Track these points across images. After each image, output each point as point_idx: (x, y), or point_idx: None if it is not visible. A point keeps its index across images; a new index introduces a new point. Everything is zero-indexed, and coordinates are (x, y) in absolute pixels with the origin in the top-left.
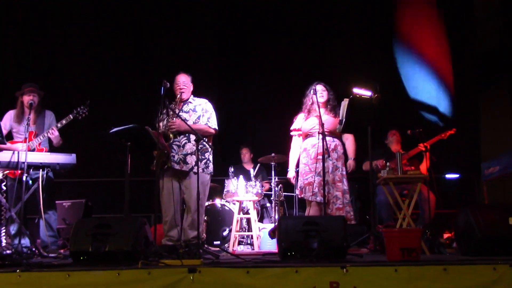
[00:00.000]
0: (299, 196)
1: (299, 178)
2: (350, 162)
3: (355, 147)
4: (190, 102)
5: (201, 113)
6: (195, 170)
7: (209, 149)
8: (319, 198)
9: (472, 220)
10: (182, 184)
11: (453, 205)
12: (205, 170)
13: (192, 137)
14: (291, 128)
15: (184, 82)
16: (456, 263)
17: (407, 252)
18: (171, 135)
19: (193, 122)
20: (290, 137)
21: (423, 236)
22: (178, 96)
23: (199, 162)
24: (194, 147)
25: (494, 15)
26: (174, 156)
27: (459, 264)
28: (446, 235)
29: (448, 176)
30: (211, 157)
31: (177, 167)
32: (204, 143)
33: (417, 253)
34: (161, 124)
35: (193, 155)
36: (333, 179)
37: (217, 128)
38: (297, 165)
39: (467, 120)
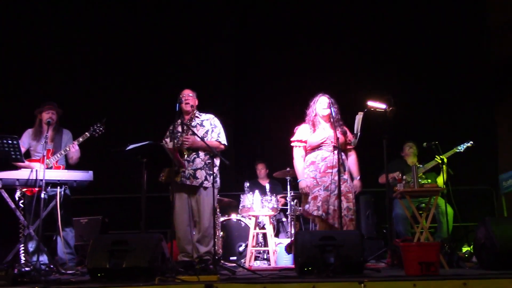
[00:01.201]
0: (302, 209)
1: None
2: (356, 183)
3: (358, 165)
4: (197, 117)
5: (209, 128)
6: (205, 184)
7: (217, 165)
8: (326, 216)
9: (491, 234)
10: (193, 199)
11: (472, 218)
12: (214, 185)
13: (201, 152)
14: (293, 138)
15: (188, 94)
16: (476, 277)
17: (426, 266)
18: (185, 151)
19: (202, 136)
20: (291, 148)
21: (441, 250)
22: (186, 108)
23: (209, 177)
24: (203, 162)
25: (509, 25)
26: (184, 172)
27: (479, 278)
28: (465, 249)
29: (466, 189)
30: (218, 172)
31: (187, 182)
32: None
33: (436, 267)
34: (167, 140)
35: (202, 170)
36: (342, 191)
37: (226, 143)
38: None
39: (484, 133)
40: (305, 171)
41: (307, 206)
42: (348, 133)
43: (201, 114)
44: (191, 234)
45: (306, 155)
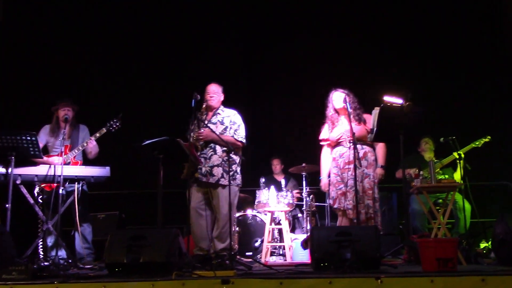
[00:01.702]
0: (333, 207)
1: (332, 188)
2: (378, 170)
3: (385, 153)
4: (218, 114)
5: (228, 125)
6: (221, 182)
7: (237, 161)
8: (349, 212)
9: (510, 229)
10: (209, 196)
11: (490, 214)
12: (232, 182)
13: (218, 149)
14: (320, 138)
15: (214, 91)
16: (494, 273)
17: (443, 262)
18: (199, 146)
19: (219, 133)
20: (321, 147)
21: (459, 246)
22: (204, 105)
23: (226, 174)
24: (221, 159)
25: None
26: (201, 169)
27: (497, 275)
28: (483, 245)
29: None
30: (238, 169)
31: (204, 179)
32: (232, 155)
33: (454, 264)
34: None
35: (219, 167)
36: (363, 187)
37: (244, 141)
38: (329, 174)
39: (502, 127)
40: (330, 168)
41: (330, 201)
42: (368, 121)
43: (223, 110)
44: (207, 230)
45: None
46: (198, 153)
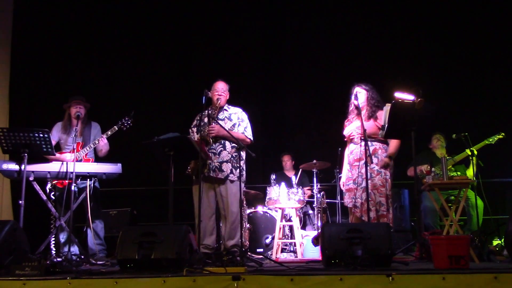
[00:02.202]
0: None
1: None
2: (383, 158)
3: (397, 148)
4: (225, 110)
5: (236, 121)
6: (230, 177)
7: (243, 158)
8: (356, 210)
9: None
10: (218, 192)
11: (503, 211)
12: (239, 178)
13: (228, 144)
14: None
15: (222, 89)
16: (507, 271)
17: (455, 259)
18: (210, 140)
19: (228, 129)
20: (344, 143)
21: (471, 243)
22: (218, 102)
23: (235, 170)
24: (230, 155)
25: None
26: (210, 164)
27: (510, 272)
28: (495, 242)
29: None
30: (244, 166)
31: (213, 174)
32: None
33: (466, 261)
34: (194, 130)
35: (228, 163)
36: (374, 184)
37: (252, 139)
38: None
39: None
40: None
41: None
42: (379, 117)
43: (229, 107)
44: (214, 227)
45: None
46: (208, 148)
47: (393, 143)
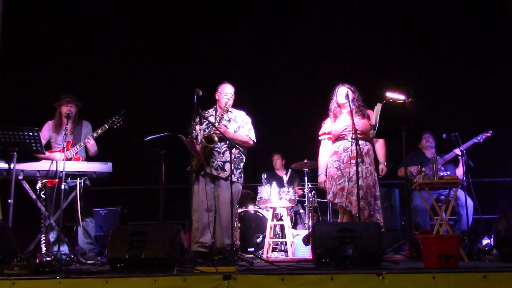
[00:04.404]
0: (333, 202)
1: (331, 183)
2: (382, 167)
3: (386, 150)
4: (230, 112)
5: (241, 123)
6: (232, 178)
7: (243, 160)
8: (351, 208)
9: None
10: (216, 191)
11: (492, 210)
12: (239, 179)
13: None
14: (320, 132)
15: (231, 93)
16: (496, 270)
17: (445, 258)
18: (215, 137)
19: (233, 131)
20: (319, 142)
21: (461, 243)
22: (226, 105)
23: (235, 171)
24: (233, 156)
25: None
26: (213, 162)
27: (499, 271)
28: (485, 241)
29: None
30: (242, 167)
31: (214, 173)
32: (242, 154)
33: (456, 260)
34: (197, 127)
35: (231, 163)
36: (367, 184)
37: (255, 141)
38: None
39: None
40: (328, 161)
41: (329, 196)
42: (371, 117)
43: (233, 109)
44: (211, 225)
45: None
46: (212, 146)
47: (383, 150)
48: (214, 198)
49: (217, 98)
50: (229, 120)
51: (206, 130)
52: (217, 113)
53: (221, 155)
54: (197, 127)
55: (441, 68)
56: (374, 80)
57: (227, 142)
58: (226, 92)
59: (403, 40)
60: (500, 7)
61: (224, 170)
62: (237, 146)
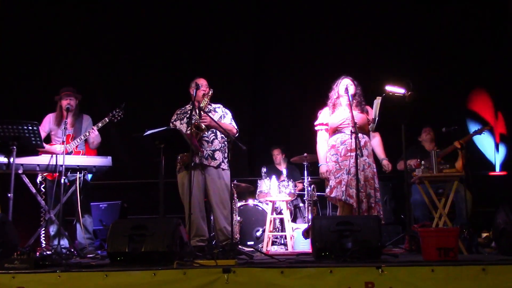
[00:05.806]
0: (330, 195)
1: (329, 177)
2: (385, 162)
3: (383, 145)
4: (209, 104)
5: (222, 113)
6: (222, 166)
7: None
8: (350, 200)
9: (511, 219)
10: (209, 180)
11: (492, 203)
12: (228, 167)
13: (219, 134)
14: (316, 123)
15: (206, 85)
16: (495, 263)
17: (444, 252)
18: (203, 126)
19: (217, 120)
20: (315, 132)
21: (460, 236)
22: (204, 97)
23: (225, 160)
24: (221, 144)
25: None
26: (203, 152)
27: (498, 264)
28: (484, 234)
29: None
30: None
31: (205, 162)
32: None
33: (455, 253)
34: (177, 123)
35: (220, 151)
36: (366, 176)
37: (238, 129)
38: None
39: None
40: (327, 155)
41: (327, 190)
42: (370, 113)
43: (210, 103)
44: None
45: (329, 138)
46: (201, 135)
47: (381, 145)
48: (206, 188)
49: (191, 93)
50: (210, 111)
51: (187, 125)
52: (195, 107)
53: (210, 144)
54: (177, 122)
55: (441, 61)
56: (374, 73)
57: (214, 130)
58: (202, 84)
59: (404, 33)
60: (501, 1)
61: (215, 159)
62: (232, 138)
